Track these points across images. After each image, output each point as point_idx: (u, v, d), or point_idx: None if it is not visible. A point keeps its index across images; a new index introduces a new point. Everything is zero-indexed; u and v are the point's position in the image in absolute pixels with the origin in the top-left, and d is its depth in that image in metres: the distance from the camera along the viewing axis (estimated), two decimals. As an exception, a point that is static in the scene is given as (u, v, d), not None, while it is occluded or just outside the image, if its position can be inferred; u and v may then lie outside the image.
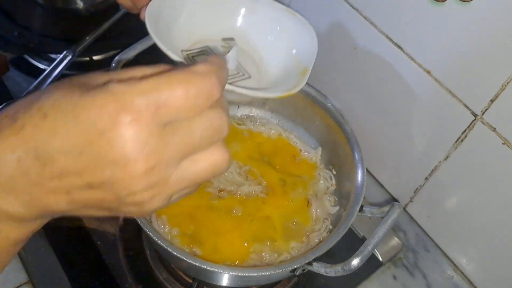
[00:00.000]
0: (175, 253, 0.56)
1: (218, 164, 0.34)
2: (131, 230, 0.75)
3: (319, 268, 0.58)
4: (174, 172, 0.31)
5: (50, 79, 0.81)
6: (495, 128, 0.61)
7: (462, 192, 0.71)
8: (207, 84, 0.31)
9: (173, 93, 0.29)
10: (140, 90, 0.29)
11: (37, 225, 0.34)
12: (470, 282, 0.77)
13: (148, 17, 0.51)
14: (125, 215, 0.33)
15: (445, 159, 0.70)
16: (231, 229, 0.68)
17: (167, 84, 0.29)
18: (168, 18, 0.55)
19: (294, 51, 0.61)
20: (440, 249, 0.80)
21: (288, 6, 0.62)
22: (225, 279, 0.62)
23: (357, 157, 0.68)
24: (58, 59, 0.84)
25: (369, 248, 0.56)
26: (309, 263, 0.58)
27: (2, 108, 0.78)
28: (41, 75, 0.82)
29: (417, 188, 0.78)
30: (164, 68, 0.31)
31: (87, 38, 0.87)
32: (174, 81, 0.30)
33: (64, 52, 0.84)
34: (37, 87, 0.80)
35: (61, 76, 0.83)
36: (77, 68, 0.94)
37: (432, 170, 0.73)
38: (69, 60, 0.83)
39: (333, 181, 0.75)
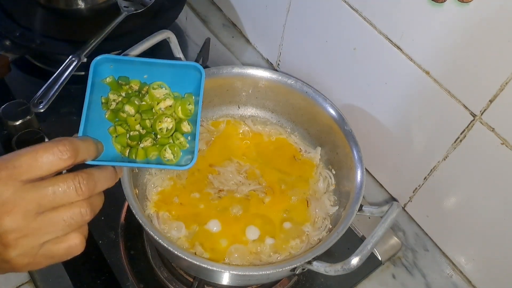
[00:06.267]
0: (176, 252, 0.57)
1: (73, 248, 0.43)
2: (133, 229, 0.76)
3: (318, 267, 0.58)
4: (40, 249, 0.41)
5: (58, 85, 0.78)
6: (494, 128, 0.62)
7: (461, 192, 0.72)
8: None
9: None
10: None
11: None
12: (469, 281, 0.77)
13: None
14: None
15: (444, 159, 0.71)
16: (231, 228, 0.68)
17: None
18: None
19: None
20: (439, 248, 0.80)
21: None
22: (225, 278, 0.62)
23: (356, 157, 0.68)
24: (63, 65, 0.81)
25: (369, 247, 0.56)
26: (309, 262, 0.58)
27: (5, 107, 0.77)
28: (50, 79, 0.79)
29: (416, 188, 0.78)
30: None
31: (91, 41, 0.84)
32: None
33: (70, 57, 0.82)
34: (46, 90, 0.78)
35: (71, 78, 0.80)
36: (78, 68, 0.94)
37: (431, 170, 0.74)
38: (75, 65, 0.81)
39: (333, 181, 0.75)
